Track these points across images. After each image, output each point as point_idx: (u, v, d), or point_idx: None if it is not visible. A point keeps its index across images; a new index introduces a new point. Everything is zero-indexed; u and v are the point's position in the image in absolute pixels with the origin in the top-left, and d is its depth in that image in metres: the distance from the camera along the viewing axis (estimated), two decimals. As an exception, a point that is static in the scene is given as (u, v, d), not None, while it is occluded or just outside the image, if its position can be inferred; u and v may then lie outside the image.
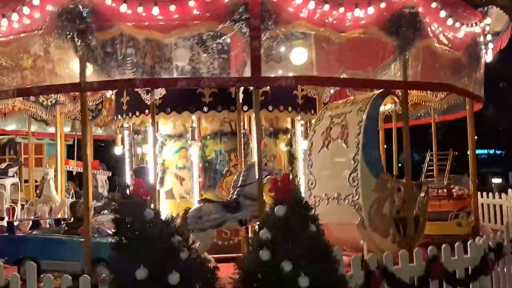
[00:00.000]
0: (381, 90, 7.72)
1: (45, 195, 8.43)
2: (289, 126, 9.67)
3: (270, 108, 8.72)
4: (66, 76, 6.14)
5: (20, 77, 6.34)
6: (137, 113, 8.96)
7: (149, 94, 8.13)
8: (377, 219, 7.18)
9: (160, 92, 8.19)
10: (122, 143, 10.26)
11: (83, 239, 5.74)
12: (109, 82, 6.25)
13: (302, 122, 9.98)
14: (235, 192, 7.21)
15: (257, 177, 6.01)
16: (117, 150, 10.49)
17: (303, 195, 4.14)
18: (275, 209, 3.88)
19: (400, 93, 7.43)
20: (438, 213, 8.68)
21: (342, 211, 7.31)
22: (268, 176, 6.65)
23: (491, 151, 40.72)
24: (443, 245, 5.42)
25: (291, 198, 3.92)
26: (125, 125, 9.67)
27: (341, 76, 6.82)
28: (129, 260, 3.74)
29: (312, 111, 9.41)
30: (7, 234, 6.72)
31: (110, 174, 14.63)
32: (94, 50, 5.72)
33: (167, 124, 9.09)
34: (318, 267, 3.68)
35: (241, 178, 7.23)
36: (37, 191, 9.05)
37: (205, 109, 8.49)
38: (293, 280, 3.62)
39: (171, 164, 9.04)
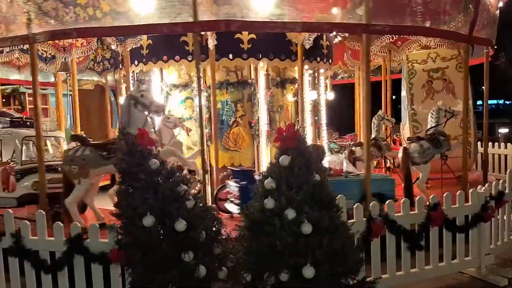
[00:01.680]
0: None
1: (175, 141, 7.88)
2: (296, 76, 9.58)
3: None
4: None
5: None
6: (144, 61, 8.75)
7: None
8: (475, 150, 10.20)
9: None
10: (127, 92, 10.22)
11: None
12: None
13: (310, 72, 9.89)
14: (431, 131, 8.56)
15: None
16: (121, 100, 10.46)
17: (308, 144, 4.14)
18: (280, 158, 3.92)
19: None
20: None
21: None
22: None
23: (500, 101, 40.35)
24: (445, 193, 5.52)
25: (296, 147, 3.94)
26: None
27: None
28: (136, 208, 3.84)
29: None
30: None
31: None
32: None
33: (171, 73, 9.01)
34: (321, 214, 3.76)
35: (434, 120, 8.63)
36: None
37: (217, 56, 8.15)
38: (296, 227, 3.71)
39: (177, 114, 9.03)
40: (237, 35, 8.21)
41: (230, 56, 8.30)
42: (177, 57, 8.34)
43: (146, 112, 6.45)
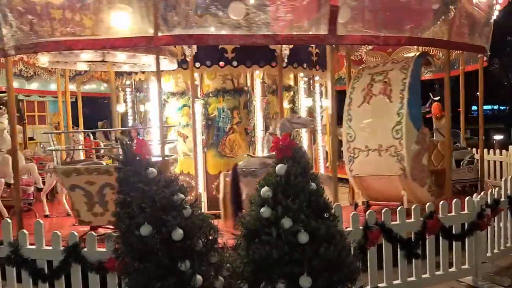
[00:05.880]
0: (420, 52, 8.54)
1: None
2: (291, 83, 9.63)
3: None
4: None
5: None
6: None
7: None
8: (417, 169, 7.70)
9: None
10: (125, 100, 10.27)
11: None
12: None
13: (306, 79, 9.96)
14: None
15: None
16: (120, 108, 10.49)
17: (304, 153, 4.16)
18: (276, 168, 3.93)
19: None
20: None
21: (383, 161, 7.77)
22: None
23: (495, 107, 40.56)
24: (441, 202, 5.54)
25: (292, 156, 3.96)
26: (127, 82, 9.62)
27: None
28: (133, 217, 3.84)
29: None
30: None
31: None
32: None
33: (169, 81, 9.04)
34: (317, 223, 3.77)
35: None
36: None
37: (222, 63, 8.29)
38: (293, 236, 3.72)
39: (174, 121, 9.06)
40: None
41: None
42: (221, 63, 8.36)
43: None
